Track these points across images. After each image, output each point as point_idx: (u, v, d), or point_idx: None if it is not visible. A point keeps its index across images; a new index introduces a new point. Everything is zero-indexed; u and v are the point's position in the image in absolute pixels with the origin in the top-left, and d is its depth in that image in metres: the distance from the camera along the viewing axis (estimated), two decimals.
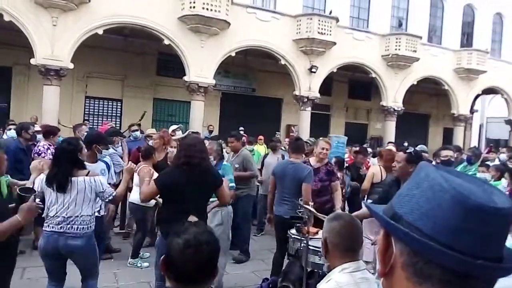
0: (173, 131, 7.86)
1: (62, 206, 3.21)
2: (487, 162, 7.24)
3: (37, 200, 2.83)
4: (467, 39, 19.46)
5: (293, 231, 3.89)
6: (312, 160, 5.10)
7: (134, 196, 5.23)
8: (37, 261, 4.53)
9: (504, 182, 4.52)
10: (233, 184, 4.85)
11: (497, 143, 19.43)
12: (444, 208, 0.62)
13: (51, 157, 5.17)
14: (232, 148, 6.07)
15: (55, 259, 3.28)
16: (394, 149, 7.94)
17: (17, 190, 3.14)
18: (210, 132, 13.21)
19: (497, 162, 7.96)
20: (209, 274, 1.51)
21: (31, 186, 3.29)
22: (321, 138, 5.59)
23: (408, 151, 3.82)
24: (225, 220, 4.50)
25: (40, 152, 5.33)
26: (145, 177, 5.09)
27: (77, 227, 3.24)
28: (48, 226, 3.24)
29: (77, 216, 3.23)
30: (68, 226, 3.21)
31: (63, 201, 3.21)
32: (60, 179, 3.18)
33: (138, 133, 7.80)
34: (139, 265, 5.22)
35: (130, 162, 4.12)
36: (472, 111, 21.54)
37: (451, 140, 18.94)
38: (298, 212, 4.30)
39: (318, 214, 3.44)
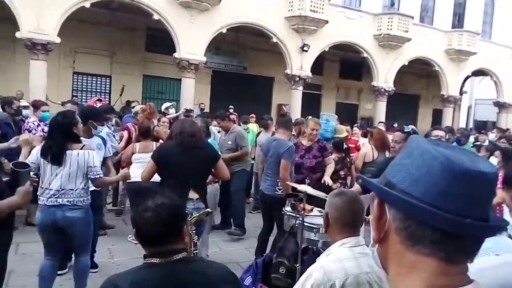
0: (167, 108, 7.79)
1: (55, 178, 3.21)
2: (478, 143, 7.37)
3: (32, 173, 2.79)
4: (458, 20, 19.43)
5: (288, 208, 3.93)
6: (304, 141, 5.18)
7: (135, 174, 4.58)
8: (30, 236, 4.57)
9: (494, 160, 4.60)
10: None
11: (485, 125, 19.72)
12: (433, 173, 0.66)
13: (41, 133, 5.12)
14: (223, 128, 6.14)
15: (53, 232, 3.29)
16: (384, 129, 8.04)
17: (11, 165, 3.09)
18: (202, 110, 13.11)
19: (487, 143, 8.11)
20: (174, 235, 1.56)
21: (24, 161, 3.24)
22: (310, 118, 5.59)
23: (406, 130, 3.87)
24: (209, 195, 4.52)
25: (30, 128, 5.29)
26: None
27: (74, 200, 3.25)
28: (44, 199, 3.24)
29: (72, 189, 3.24)
30: (65, 198, 3.22)
31: (57, 173, 3.21)
32: (54, 151, 3.19)
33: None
34: None
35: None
36: (461, 92, 21.72)
37: (441, 121, 19.14)
38: (277, 189, 4.38)
39: (302, 189, 3.47)
